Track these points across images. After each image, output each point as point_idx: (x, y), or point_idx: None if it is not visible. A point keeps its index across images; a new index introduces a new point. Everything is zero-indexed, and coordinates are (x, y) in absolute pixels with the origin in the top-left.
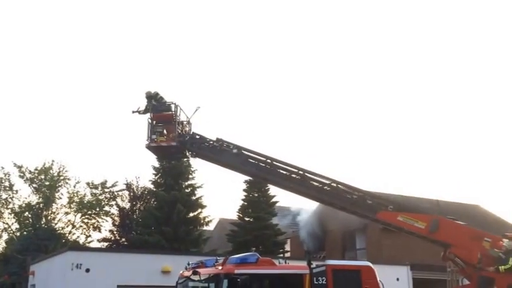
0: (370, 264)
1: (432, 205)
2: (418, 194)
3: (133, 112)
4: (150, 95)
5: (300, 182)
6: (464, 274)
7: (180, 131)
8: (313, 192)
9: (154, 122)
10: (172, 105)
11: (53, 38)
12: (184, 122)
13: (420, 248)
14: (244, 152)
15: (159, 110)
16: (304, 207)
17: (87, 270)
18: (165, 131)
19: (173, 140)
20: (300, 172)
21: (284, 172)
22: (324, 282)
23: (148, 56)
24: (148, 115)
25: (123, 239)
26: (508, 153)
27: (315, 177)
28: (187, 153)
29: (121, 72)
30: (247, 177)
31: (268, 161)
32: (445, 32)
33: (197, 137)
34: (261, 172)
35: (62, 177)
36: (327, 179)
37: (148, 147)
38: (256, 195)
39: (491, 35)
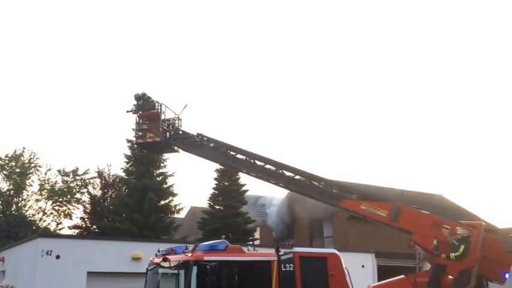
0: (336, 251)
1: (397, 195)
2: (384, 184)
3: (127, 112)
4: (138, 96)
5: (273, 173)
6: (427, 260)
7: (165, 128)
8: (284, 182)
9: (142, 120)
10: (157, 104)
11: (22, 25)
12: (172, 119)
13: (385, 236)
14: (221, 145)
15: (144, 109)
16: (273, 196)
17: (58, 257)
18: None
19: (158, 136)
20: (272, 164)
21: (258, 163)
22: (291, 269)
23: (128, 47)
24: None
25: (94, 226)
26: (470, 145)
27: (286, 169)
28: (175, 148)
29: (96, 62)
30: (218, 166)
31: (244, 154)
32: (439, 31)
33: (180, 132)
34: (236, 164)
35: (33, 165)
36: (297, 170)
37: (136, 143)
38: (226, 184)
39: (479, 35)
